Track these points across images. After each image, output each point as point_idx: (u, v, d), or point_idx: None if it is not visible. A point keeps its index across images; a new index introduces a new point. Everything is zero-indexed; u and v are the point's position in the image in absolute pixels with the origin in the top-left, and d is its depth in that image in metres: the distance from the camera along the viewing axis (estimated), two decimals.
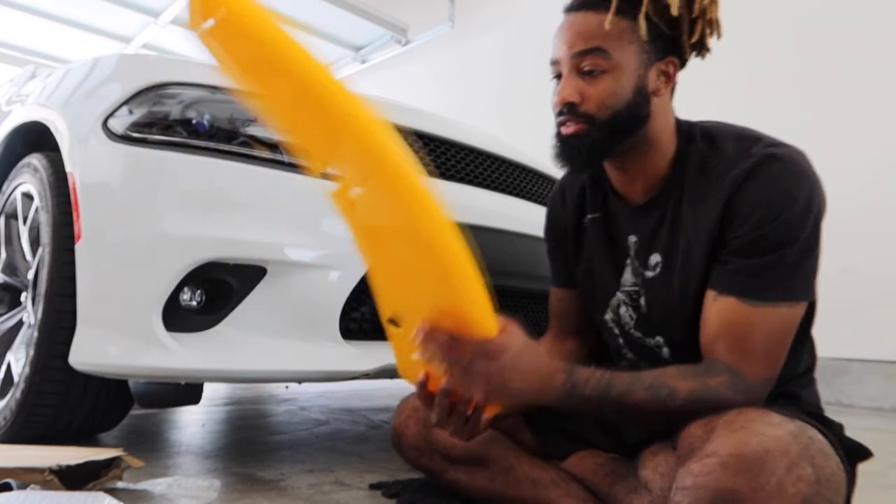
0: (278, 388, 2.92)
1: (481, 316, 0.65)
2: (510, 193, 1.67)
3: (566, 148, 0.83)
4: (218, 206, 1.17)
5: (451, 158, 1.54)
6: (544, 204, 1.63)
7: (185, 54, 5.37)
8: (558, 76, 0.84)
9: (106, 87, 1.26)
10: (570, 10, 0.84)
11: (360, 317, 1.30)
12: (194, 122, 1.20)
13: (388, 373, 1.26)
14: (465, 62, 4.76)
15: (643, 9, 0.78)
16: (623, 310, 0.91)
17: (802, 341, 0.85)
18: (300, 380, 1.30)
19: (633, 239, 0.88)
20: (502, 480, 0.93)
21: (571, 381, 0.71)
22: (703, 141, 0.83)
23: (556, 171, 0.84)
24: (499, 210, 1.54)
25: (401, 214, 0.60)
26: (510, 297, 1.54)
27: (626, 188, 0.89)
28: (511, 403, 0.74)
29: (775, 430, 0.61)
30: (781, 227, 0.74)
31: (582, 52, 0.80)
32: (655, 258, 0.85)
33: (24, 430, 1.25)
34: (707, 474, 0.59)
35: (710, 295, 0.77)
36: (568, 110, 0.81)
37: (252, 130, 1.24)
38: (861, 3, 2.82)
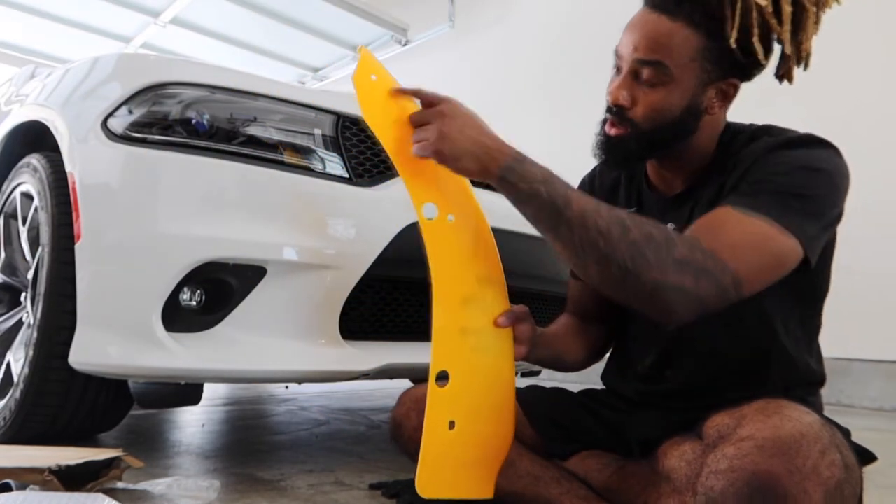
0: (278, 388, 2.92)
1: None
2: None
3: (606, 145, 0.85)
4: (218, 206, 1.17)
5: None
6: None
7: (185, 54, 5.38)
8: (618, 69, 0.85)
9: (105, 87, 1.26)
10: (647, 4, 0.83)
11: (360, 317, 1.30)
12: (194, 121, 1.20)
13: (388, 373, 1.26)
14: (465, 62, 4.76)
15: (733, 34, 0.77)
16: None
17: (810, 345, 0.86)
18: (300, 380, 1.30)
19: (671, 226, 0.86)
20: (503, 476, 0.93)
21: (519, 154, 0.76)
22: (745, 138, 0.84)
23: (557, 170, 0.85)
24: (495, 209, 1.53)
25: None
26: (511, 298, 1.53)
27: (663, 182, 0.90)
28: (459, 163, 0.78)
29: (807, 416, 0.63)
30: (796, 176, 0.74)
31: (643, 61, 0.80)
32: None
33: (23, 430, 1.25)
34: (743, 457, 0.60)
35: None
36: (616, 111, 0.83)
37: (252, 130, 1.24)
38: (856, 3, 2.82)
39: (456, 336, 0.86)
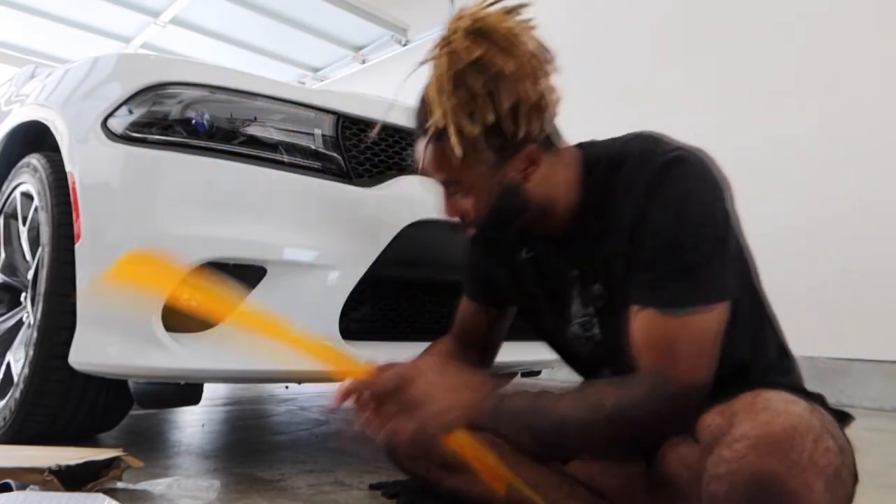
0: (278, 388, 2.92)
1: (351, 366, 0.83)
2: None
3: (475, 245, 0.91)
4: (218, 206, 1.17)
5: None
6: None
7: (185, 54, 5.38)
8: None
9: (105, 87, 1.26)
10: (415, 135, 0.86)
11: (360, 317, 1.30)
12: (194, 121, 1.20)
13: None
14: None
15: (452, 137, 0.76)
16: (578, 342, 0.90)
17: (759, 331, 0.83)
18: (300, 380, 1.30)
19: (574, 272, 0.87)
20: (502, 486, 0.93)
21: (498, 393, 0.74)
22: (606, 166, 0.82)
23: None
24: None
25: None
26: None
27: (545, 232, 0.88)
28: (441, 426, 0.74)
29: (795, 406, 0.62)
30: (682, 234, 0.73)
31: (442, 182, 0.84)
32: (598, 289, 0.85)
33: (23, 430, 1.25)
34: (740, 459, 0.59)
35: (633, 310, 0.77)
36: (459, 223, 0.86)
37: (252, 130, 1.24)
38: (856, 3, 2.82)
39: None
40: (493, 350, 1.07)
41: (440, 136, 0.78)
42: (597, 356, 0.88)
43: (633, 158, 0.80)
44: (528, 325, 0.99)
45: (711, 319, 0.73)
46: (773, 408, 0.62)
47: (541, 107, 0.78)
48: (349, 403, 0.77)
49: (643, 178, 0.76)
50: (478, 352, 1.04)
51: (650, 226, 0.75)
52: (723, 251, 0.75)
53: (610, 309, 0.83)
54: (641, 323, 0.75)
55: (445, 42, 0.77)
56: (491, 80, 0.74)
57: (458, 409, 0.74)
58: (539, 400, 0.75)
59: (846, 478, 0.62)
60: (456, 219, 0.86)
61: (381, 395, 0.76)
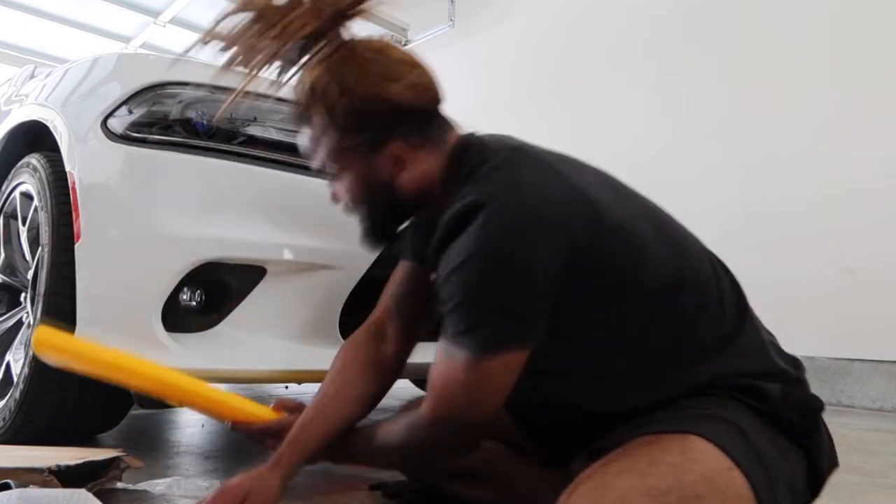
0: (278, 388, 2.92)
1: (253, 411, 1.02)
2: None
3: (361, 234, 0.89)
4: (218, 206, 1.17)
5: None
6: None
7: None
8: None
9: (105, 87, 1.26)
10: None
11: (360, 317, 1.29)
12: (194, 121, 1.20)
13: None
14: (465, 62, 4.75)
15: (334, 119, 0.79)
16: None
17: (682, 333, 0.75)
18: (300, 380, 1.30)
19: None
20: (500, 492, 0.93)
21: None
22: (465, 171, 0.78)
23: None
24: None
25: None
26: None
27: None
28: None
29: (642, 481, 0.60)
30: (456, 283, 0.69)
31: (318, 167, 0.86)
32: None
33: (23, 431, 1.25)
34: None
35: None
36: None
37: (252, 130, 1.24)
38: (856, 4, 2.82)
39: None
40: (415, 331, 0.98)
41: (307, 120, 0.82)
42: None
43: (467, 181, 0.75)
44: None
45: (486, 368, 0.69)
46: (614, 484, 0.61)
47: (396, 105, 0.78)
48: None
49: (450, 212, 0.73)
50: (399, 336, 0.96)
51: (441, 262, 0.73)
52: (508, 303, 0.68)
53: None
54: (436, 355, 0.74)
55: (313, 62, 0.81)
56: (343, 83, 0.78)
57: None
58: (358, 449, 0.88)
59: None
60: (335, 201, 0.88)
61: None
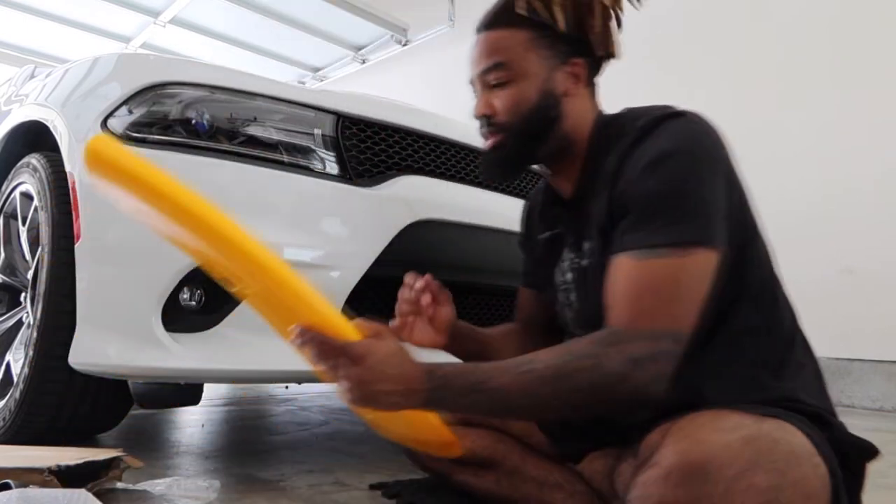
0: (278, 388, 2.92)
1: (342, 328, 0.75)
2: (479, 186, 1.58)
3: (486, 160, 0.88)
4: (217, 206, 1.16)
5: (442, 154, 1.53)
6: (517, 195, 1.62)
7: (185, 54, 5.38)
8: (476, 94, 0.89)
9: (105, 87, 1.26)
10: (476, 31, 0.91)
11: (361, 318, 1.29)
12: (194, 121, 1.20)
13: None
14: (465, 62, 4.76)
15: (559, 19, 0.81)
16: (563, 312, 0.90)
17: (767, 324, 0.77)
18: (300, 380, 1.30)
19: (571, 238, 0.87)
20: (508, 482, 0.93)
21: (437, 378, 0.68)
22: (614, 126, 0.83)
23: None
24: (470, 204, 1.49)
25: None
26: (480, 294, 1.53)
27: (561, 189, 0.89)
28: (381, 408, 0.70)
29: (725, 435, 0.58)
30: (667, 175, 0.70)
31: (487, 69, 0.86)
32: (587, 244, 0.83)
33: (23, 431, 1.25)
34: (650, 485, 0.57)
35: (611, 262, 0.73)
36: (485, 123, 0.86)
37: (252, 130, 1.24)
38: (856, 4, 2.82)
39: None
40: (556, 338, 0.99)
41: (512, 21, 0.84)
42: (577, 324, 0.86)
43: (636, 116, 0.80)
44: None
45: (688, 264, 0.67)
46: (697, 435, 0.59)
47: (607, 28, 0.83)
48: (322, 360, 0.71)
49: (634, 131, 0.76)
50: (542, 338, 0.99)
51: (632, 170, 0.73)
52: (714, 197, 0.70)
53: (593, 270, 0.80)
54: (614, 272, 0.71)
55: None
56: None
57: (399, 394, 0.68)
58: (477, 375, 0.69)
59: None
60: (483, 113, 0.86)
61: (342, 358, 0.70)
